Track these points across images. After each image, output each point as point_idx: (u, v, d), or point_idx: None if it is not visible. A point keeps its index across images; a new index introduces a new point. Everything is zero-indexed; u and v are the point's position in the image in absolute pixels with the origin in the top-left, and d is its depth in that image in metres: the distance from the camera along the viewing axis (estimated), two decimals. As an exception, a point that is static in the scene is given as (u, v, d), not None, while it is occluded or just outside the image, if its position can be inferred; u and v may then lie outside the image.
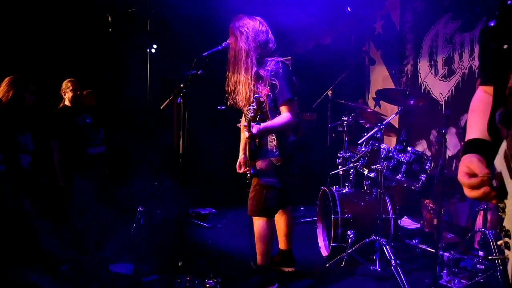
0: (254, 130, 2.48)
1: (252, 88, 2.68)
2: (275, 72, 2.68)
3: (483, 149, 1.17)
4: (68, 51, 4.79)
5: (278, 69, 2.69)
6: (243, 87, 2.71)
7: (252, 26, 2.73)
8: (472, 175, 1.09)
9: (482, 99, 1.30)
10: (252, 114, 2.41)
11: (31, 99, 3.47)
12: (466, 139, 1.24)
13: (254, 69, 2.68)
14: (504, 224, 1.06)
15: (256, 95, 2.40)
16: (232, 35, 2.76)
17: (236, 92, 2.79)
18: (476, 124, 1.26)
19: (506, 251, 1.05)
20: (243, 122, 3.09)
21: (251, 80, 2.68)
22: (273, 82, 2.63)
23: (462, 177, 1.11)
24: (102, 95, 4.77)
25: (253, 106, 2.40)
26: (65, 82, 4.04)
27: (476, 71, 4.23)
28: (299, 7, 5.66)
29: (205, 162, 5.74)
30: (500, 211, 1.09)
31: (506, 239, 1.04)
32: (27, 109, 3.46)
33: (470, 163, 1.10)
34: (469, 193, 1.09)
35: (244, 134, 3.08)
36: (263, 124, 2.54)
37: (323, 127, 4.88)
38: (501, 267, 2.67)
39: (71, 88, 3.99)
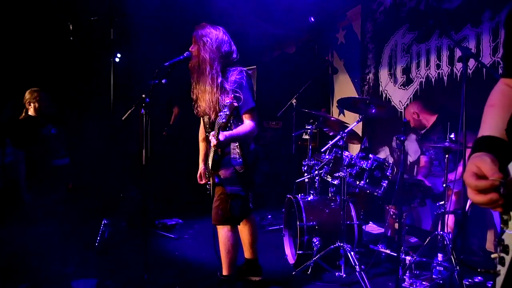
0: (221, 137, 2.47)
1: (218, 97, 2.68)
2: (238, 84, 2.68)
3: (498, 148, 1.03)
4: (29, 60, 4.65)
5: (242, 80, 2.70)
6: (209, 96, 2.70)
7: (215, 36, 2.73)
8: (480, 176, 0.95)
9: (503, 92, 1.18)
10: (224, 120, 2.35)
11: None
12: (479, 135, 1.10)
13: (219, 80, 2.68)
14: (503, 238, 0.97)
15: (228, 101, 2.36)
16: (195, 43, 2.75)
17: (200, 101, 2.79)
18: (492, 120, 1.12)
19: (499, 266, 0.97)
20: (201, 132, 3.08)
21: (216, 90, 2.68)
22: (237, 94, 2.64)
23: (468, 178, 0.96)
24: (64, 105, 4.65)
25: (224, 111, 2.35)
26: (29, 91, 3.94)
27: (433, 80, 4.41)
28: (264, 17, 5.74)
29: (171, 171, 5.68)
30: (502, 223, 0.99)
31: (503, 254, 0.96)
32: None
33: (481, 163, 0.96)
34: (473, 196, 0.95)
35: (203, 144, 3.08)
36: (228, 132, 2.54)
37: (289, 135, 4.94)
38: (458, 268, 2.77)
39: (38, 98, 3.91)
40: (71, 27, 4.76)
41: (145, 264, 2.83)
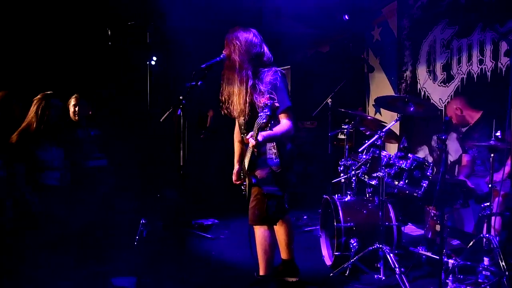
0: (260, 138, 2.48)
1: (248, 99, 2.69)
2: (273, 85, 2.68)
3: None
4: (69, 65, 4.84)
5: (276, 81, 2.70)
6: (237, 98, 2.73)
7: (244, 38, 2.74)
8: None
9: None
10: (264, 120, 2.35)
11: (55, 115, 3.50)
12: None
13: (250, 82, 2.69)
14: None
15: (268, 102, 2.37)
16: (227, 46, 2.78)
17: (230, 103, 2.80)
18: None
19: None
20: (236, 133, 3.09)
21: (247, 92, 2.69)
22: (272, 95, 2.63)
23: None
24: (102, 108, 4.79)
25: (265, 112, 2.35)
26: (72, 97, 4.15)
27: (475, 76, 4.24)
28: (297, 16, 5.71)
29: (206, 173, 5.74)
30: None
31: None
32: (52, 125, 3.50)
33: None
34: None
35: (238, 145, 3.09)
36: (267, 132, 2.54)
37: (324, 135, 4.88)
38: (507, 273, 2.65)
39: (72, 103, 4.11)
40: (109, 32, 4.91)
41: (182, 264, 2.87)
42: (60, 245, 3.41)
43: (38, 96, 3.53)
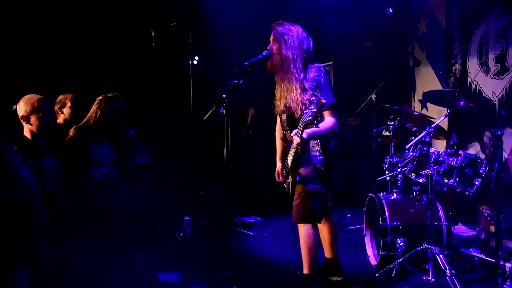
0: (304, 136, 2.45)
1: (298, 95, 2.66)
2: (317, 81, 2.65)
3: None
4: (115, 66, 5.01)
5: (319, 77, 2.66)
6: (291, 93, 2.69)
7: (296, 32, 2.71)
8: None
9: None
10: (310, 118, 2.32)
11: (113, 116, 3.65)
12: None
13: (302, 75, 2.66)
14: None
15: (314, 98, 2.32)
16: (276, 41, 2.73)
17: (280, 100, 2.78)
18: None
19: None
20: (278, 131, 3.07)
21: (297, 87, 2.66)
22: (315, 92, 2.58)
23: None
24: (147, 108, 4.92)
25: (311, 109, 2.32)
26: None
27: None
28: (338, 10, 5.60)
29: (249, 171, 5.77)
30: None
31: None
32: (109, 125, 3.66)
33: None
34: None
35: (280, 143, 3.07)
36: (311, 130, 2.50)
37: (368, 132, 4.76)
38: None
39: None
40: (153, 34, 5.04)
41: (226, 261, 2.89)
42: (105, 240, 3.52)
43: (100, 98, 3.69)
